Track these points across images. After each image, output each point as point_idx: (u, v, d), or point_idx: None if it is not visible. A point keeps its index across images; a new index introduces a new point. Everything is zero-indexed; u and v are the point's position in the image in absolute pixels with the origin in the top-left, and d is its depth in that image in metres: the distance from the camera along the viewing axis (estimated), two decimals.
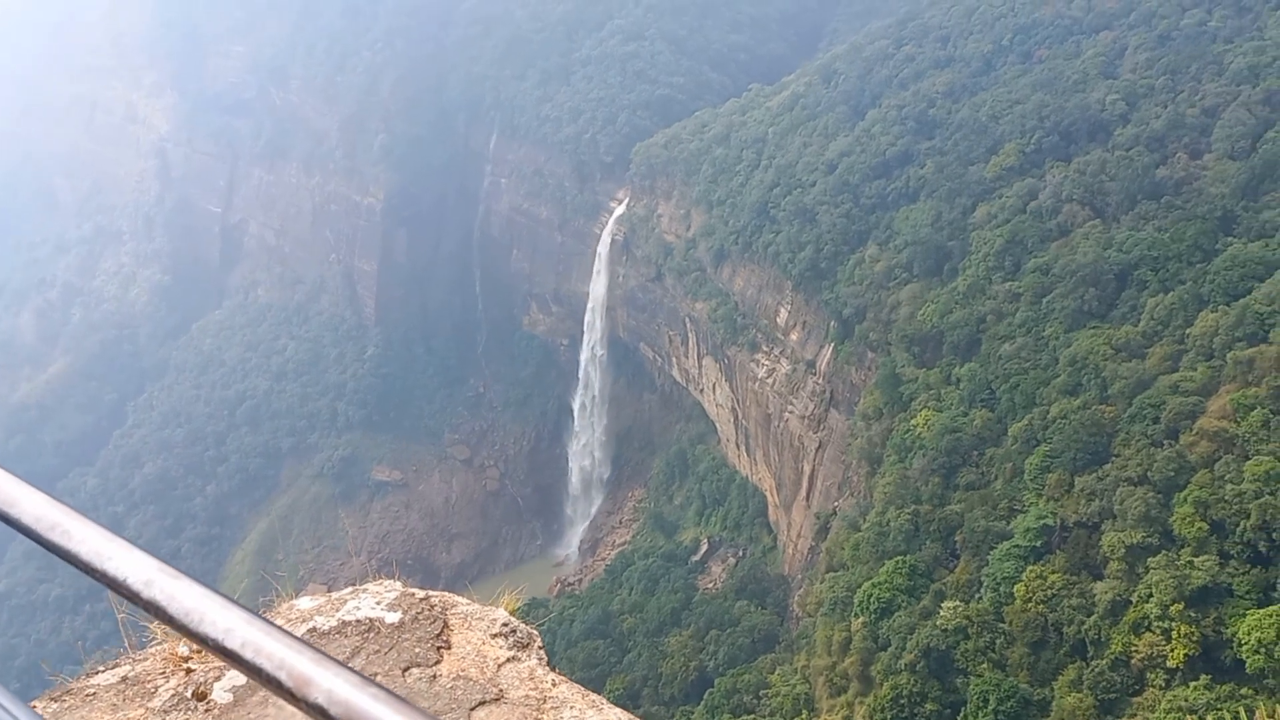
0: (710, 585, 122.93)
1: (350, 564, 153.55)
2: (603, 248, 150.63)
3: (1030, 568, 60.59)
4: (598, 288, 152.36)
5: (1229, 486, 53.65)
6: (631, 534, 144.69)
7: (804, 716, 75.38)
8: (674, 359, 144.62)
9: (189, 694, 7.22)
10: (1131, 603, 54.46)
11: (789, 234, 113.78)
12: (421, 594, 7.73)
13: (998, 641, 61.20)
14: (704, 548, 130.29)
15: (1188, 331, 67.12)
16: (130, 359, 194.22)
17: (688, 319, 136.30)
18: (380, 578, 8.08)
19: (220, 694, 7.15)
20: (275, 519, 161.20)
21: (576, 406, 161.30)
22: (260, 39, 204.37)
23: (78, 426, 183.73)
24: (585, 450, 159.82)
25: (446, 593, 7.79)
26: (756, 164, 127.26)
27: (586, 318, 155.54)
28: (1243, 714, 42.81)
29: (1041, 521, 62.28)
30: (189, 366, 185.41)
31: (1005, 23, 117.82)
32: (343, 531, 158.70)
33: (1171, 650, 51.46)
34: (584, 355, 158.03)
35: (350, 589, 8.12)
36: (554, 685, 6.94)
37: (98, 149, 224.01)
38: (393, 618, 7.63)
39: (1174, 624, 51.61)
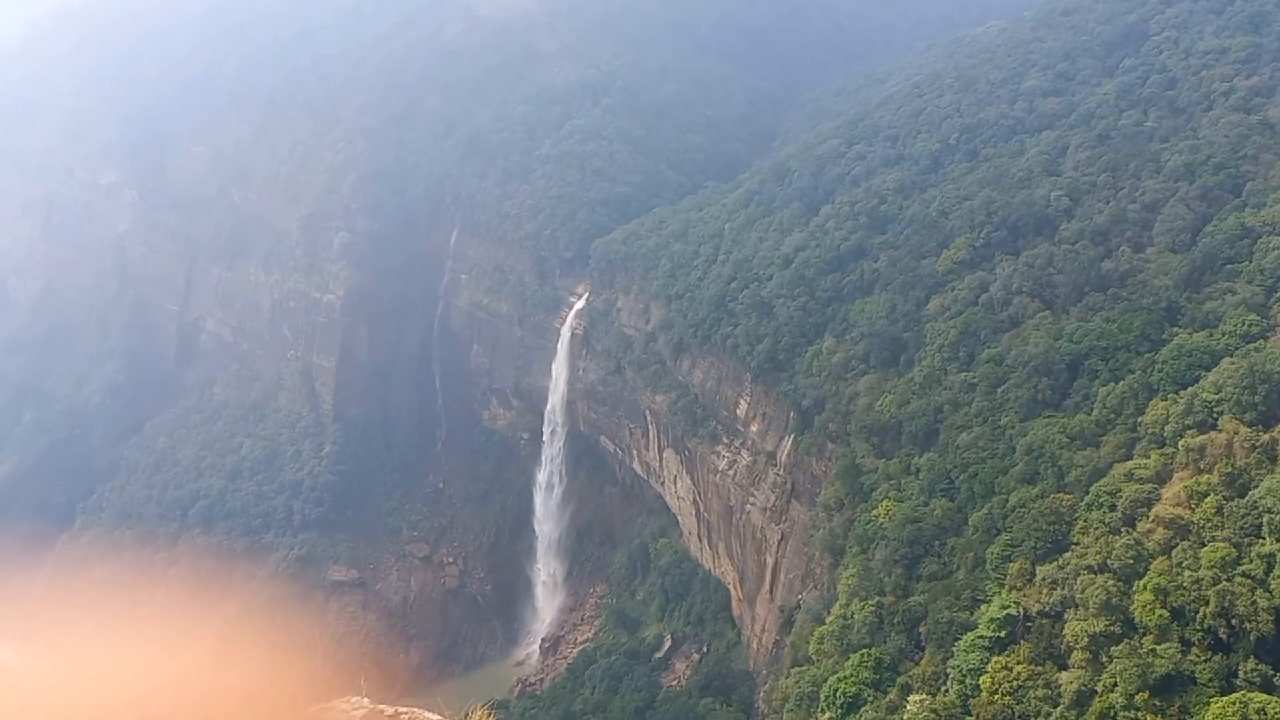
0: (674, 683, 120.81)
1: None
2: (563, 342, 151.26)
3: (995, 659, 60.20)
4: (559, 382, 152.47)
5: (1187, 573, 54.02)
6: (593, 631, 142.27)
7: None
8: (635, 452, 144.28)
9: None
10: (1097, 693, 54.21)
11: (747, 326, 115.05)
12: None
13: None
14: (667, 644, 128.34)
15: (1139, 420, 68.24)
16: (81, 459, 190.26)
17: (648, 411, 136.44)
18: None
19: None
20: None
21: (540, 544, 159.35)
22: (222, 138, 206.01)
23: (24, 531, 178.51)
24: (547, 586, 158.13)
25: (416, 709, 7.77)
26: (714, 258, 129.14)
27: (546, 416, 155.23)
28: None
29: (1005, 611, 62.13)
30: (141, 466, 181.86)
31: (951, 123, 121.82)
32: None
33: None
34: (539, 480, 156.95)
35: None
36: None
37: (53, 249, 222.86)
38: None
39: (1139, 714, 51.40)
